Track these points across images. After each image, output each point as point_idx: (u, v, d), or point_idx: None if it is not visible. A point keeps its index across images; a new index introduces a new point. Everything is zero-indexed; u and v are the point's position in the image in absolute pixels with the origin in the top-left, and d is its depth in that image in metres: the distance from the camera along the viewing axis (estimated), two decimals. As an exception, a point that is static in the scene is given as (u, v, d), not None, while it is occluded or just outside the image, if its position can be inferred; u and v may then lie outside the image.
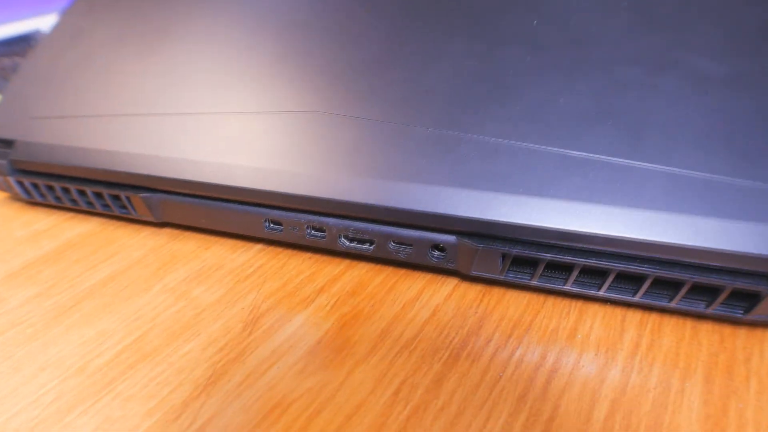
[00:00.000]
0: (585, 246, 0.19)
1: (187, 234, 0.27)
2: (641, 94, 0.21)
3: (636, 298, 0.20)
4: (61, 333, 0.21)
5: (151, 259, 0.25)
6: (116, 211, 0.27)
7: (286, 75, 0.26)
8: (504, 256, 0.20)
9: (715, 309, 0.19)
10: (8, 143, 0.28)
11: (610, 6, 0.24)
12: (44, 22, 0.56)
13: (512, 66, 0.23)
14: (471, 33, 0.25)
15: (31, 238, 0.27)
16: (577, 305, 0.21)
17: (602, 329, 0.20)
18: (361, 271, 0.23)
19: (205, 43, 0.28)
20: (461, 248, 0.21)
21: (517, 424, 0.16)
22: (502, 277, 0.21)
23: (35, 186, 0.28)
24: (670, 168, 0.19)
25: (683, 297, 0.19)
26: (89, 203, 0.27)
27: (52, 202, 0.28)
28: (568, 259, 0.19)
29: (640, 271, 0.19)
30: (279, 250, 0.25)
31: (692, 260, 0.18)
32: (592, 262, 0.19)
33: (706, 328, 0.19)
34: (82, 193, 0.27)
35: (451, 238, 0.21)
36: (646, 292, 0.19)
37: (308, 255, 0.25)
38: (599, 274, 0.20)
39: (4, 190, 0.29)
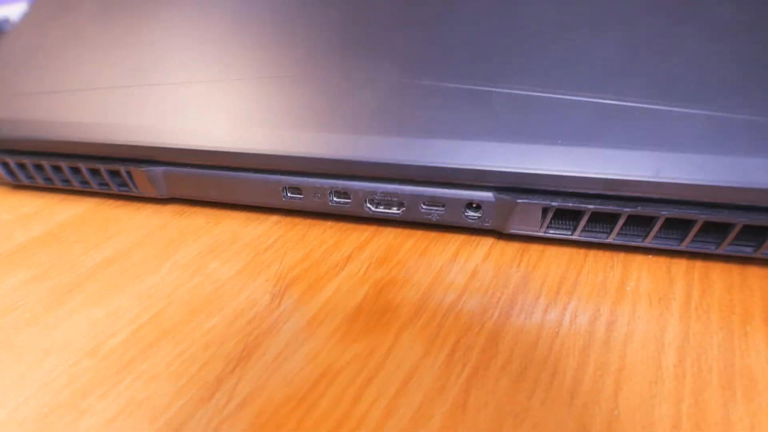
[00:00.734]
0: (631, 193, 0.18)
1: (194, 209, 0.25)
2: (668, 41, 0.21)
3: (682, 246, 0.19)
4: (64, 315, 0.19)
5: (156, 236, 0.23)
6: (115, 189, 0.25)
7: (301, 39, 0.24)
8: (545, 211, 0.19)
9: (764, 252, 0.18)
10: (-13, 120, 0.25)
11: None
12: (12, 11, 0.52)
13: (534, 20, 0.22)
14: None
15: (19, 221, 0.25)
16: (619, 258, 0.20)
17: (650, 280, 0.19)
18: (388, 237, 0.22)
19: (209, 10, 0.26)
20: (499, 205, 0.20)
21: (585, 377, 0.15)
22: (541, 233, 0.20)
23: (21, 166, 0.26)
24: (710, 111, 0.18)
25: (731, 242, 0.19)
26: (84, 182, 0.25)
27: (42, 183, 0.26)
28: (613, 208, 0.19)
29: (689, 216, 0.18)
30: (297, 220, 0.23)
31: (741, 201, 0.18)
32: (639, 209, 0.18)
33: (754, 273, 0.19)
34: (75, 170, 0.25)
35: (488, 195, 0.20)
36: (693, 238, 0.19)
37: (329, 224, 0.23)
38: (643, 224, 0.19)
39: (-18, 173, 0.27)
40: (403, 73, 0.22)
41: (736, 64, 0.20)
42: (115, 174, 0.24)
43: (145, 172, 0.23)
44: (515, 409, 0.15)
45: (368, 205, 0.22)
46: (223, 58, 0.24)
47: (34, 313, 0.20)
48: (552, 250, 0.21)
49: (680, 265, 0.20)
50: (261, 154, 0.21)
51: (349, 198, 0.22)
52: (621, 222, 0.19)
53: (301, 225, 0.23)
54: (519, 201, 0.19)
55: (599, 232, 0.20)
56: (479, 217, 0.20)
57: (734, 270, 0.19)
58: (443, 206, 0.21)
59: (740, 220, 0.18)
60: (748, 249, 0.19)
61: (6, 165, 0.26)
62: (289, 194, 0.22)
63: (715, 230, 0.19)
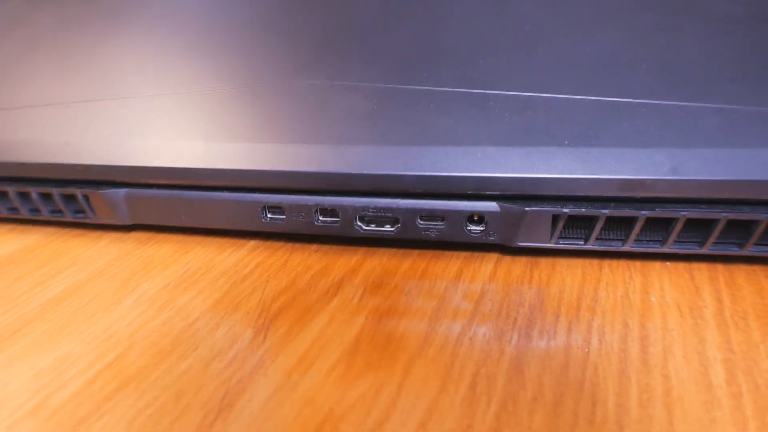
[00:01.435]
0: (647, 194, 0.17)
1: (161, 237, 0.22)
2: (667, 37, 0.20)
3: (704, 250, 0.18)
4: (1, 366, 0.16)
5: (117, 268, 0.20)
6: (70, 216, 0.22)
7: (279, 45, 0.22)
8: (555, 219, 0.18)
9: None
10: None
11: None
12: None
13: (526, 21, 0.21)
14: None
15: (-51, 260, 0.21)
16: (636, 267, 0.18)
17: (675, 289, 0.17)
18: (382, 259, 0.20)
19: (172, 22, 0.24)
20: (505, 215, 0.18)
21: (631, 404, 0.13)
22: (552, 245, 0.18)
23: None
24: (718, 104, 0.17)
25: (756, 241, 0.17)
26: (34, 209, 0.22)
27: (-23, 214, 0.23)
28: (629, 211, 0.17)
29: (711, 215, 0.17)
30: (278, 245, 0.21)
31: (764, 196, 0.16)
32: (658, 211, 0.17)
33: (782, 277, 0.18)
34: (24, 196, 0.22)
35: (492, 205, 0.18)
36: (715, 240, 0.17)
37: (315, 247, 0.21)
38: (661, 228, 0.18)
39: None
40: (391, 78, 0.20)
41: (737, 57, 0.19)
42: (70, 199, 0.21)
43: (105, 196, 0.20)
44: (557, 448, 0.12)
45: (359, 223, 0.19)
46: (192, 69, 0.22)
47: (-35, 366, 0.16)
48: (563, 263, 0.19)
49: (702, 270, 0.18)
50: (236, 171, 0.19)
51: (337, 216, 0.19)
52: (638, 226, 0.17)
53: (283, 250, 0.21)
54: (527, 209, 0.17)
55: (614, 239, 0.18)
56: (483, 231, 0.19)
57: (759, 272, 0.18)
58: (443, 220, 0.19)
59: (765, 216, 0.16)
60: (772, 249, 0.17)
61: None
62: (269, 215, 0.20)
63: (736, 230, 0.17)
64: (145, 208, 0.21)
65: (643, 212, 0.17)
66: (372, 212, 0.19)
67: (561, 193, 0.17)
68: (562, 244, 0.18)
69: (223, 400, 0.14)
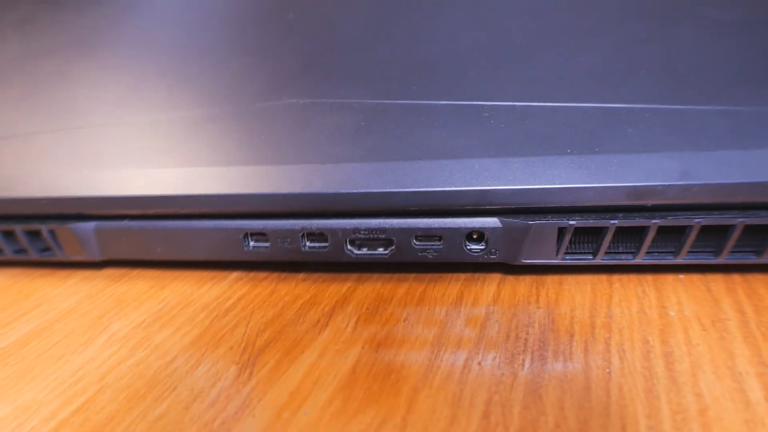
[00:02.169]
0: (658, 201, 0.16)
1: (134, 272, 0.20)
2: (663, 42, 0.19)
3: (720, 260, 0.17)
4: (-45, 423, 0.14)
5: (87, 307, 0.18)
6: (34, 255, 0.20)
7: (258, 65, 0.21)
8: (561, 232, 0.17)
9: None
10: None
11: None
12: None
13: (518, 33, 0.21)
14: (457, 7, 0.22)
15: None
16: (648, 281, 0.17)
17: (693, 302, 0.16)
18: (375, 285, 0.18)
19: (145, 47, 0.23)
20: (507, 230, 0.17)
21: (665, 426, 0.12)
22: (558, 261, 0.17)
23: None
24: (722, 106, 0.17)
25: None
26: (-8, 249, 0.20)
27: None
28: (640, 220, 0.16)
29: (727, 221, 0.16)
30: (262, 275, 0.20)
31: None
32: (670, 219, 0.16)
33: (802, 285, 0.17)
34: (-20, 236, 0.20)
35: (493, 221, 0.17)
36: (731, 249, 0.16)
37: (302, 276, 0.19)
38: (673, 238, 0.17)
39: None
40: (377, 94, 0.19)
41: (734, 59, 0.18)
42: (34, 236, 0.20)
43: (72, 231, 0.19)
44: (588, 481, 0.11)
45: (349, 247, 0.18)
46: (165, 93, 0.21)
47: None
48: (571, 281, 0.18)
49: (718, 282, 0.17)
50: (215, 196, 0.18)
51: (325, 241, 0.18)
52: (650, 237, 0.16)
53: (268, 280, 0.19)
54: (531, 223, 0.16)
55: (624, 252, 0.17)
56: (484, 249, 0.17)
57: (778, 282, 0.17)
58: (440, 240, 0.17)
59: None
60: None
61: None
62: (252, 243, 0.19)
63: (752, 237, 0.16)
64: (116, 242, 0.19)
65: (654, 221, 0.16)
66: (363, 234, 0.18)
67: (566, 204, 0.16)
68: (569, 260, 0.17)
69: (205, 447, 0.13)
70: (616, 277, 0.18)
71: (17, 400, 0.14)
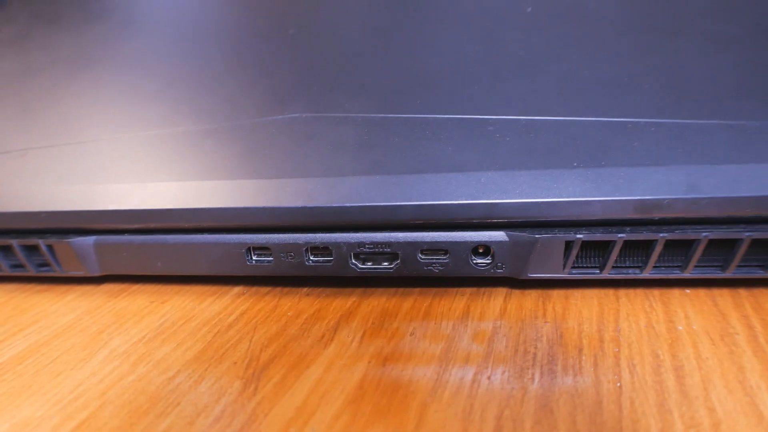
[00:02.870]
0: (665, 215, 0.16)
1: (134, 287, 0.20)
2: (665, 57, 0.20)
3: (727, 274, 0.17)
4: (-51, 441, 0.14)
5: (87, 323, 0.18)
6: (32, 270, 0.20)
7: (260, 79, 0.21)
8: (568, 246, 0.17)
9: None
10: None
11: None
12: None
13: (522, 47, 0.21)
14: (460, 21, 0.23)
15: None
16: (655, 296, 0.17)
17: (700, 316, 0.16)
18: (380, 299, 0.18)
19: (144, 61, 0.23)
20: (513, 244, 0.17)
21: (680, 440, 0.12)
22: (565, 275, 0.17)
23: None
24: (726, 120, 0.17)
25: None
26: (-11, 264, 0.20)
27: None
28: (648, 234, 0.16)
29: (734, 234, 0.16)
30: (265, 290, 0.19)
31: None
32: (677, 233, 0.16)
33: (808, 299, 0.17)
34: (-23, 250, 0.20)
35: (499, 234, 0.17)
36: (738, 263, 0.16)
37: (305, 291, 0.19)
38: (680, 252, 0.17)
39: None
40: (381, 108, 0.19)
41: (736, 74, 0.19)
42: (32, 251, 0.19)
43: (71, 245, 0.19)
44: (605, 497, 0.11)
45: (354, 261, 0.18)
46: (166, 107, 0.21)
47: None
48: (577, 295, 0.17)
49: (724, 296, 0.17)
50: (217, 209, 0.18)
51: (329, 255, 0.18)
52: (657, 250, 0.16)
53: (270, 295, 0.19)
54: (538, 237, 0.16)
55: (631, 266, 0.17)
56: (490, 263, 0.17)
57: (784, 296, 0.17)
58: (446, 254, 0.17)
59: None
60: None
61: None
62: (254, 257, 0.18)
63: (759, 252, 0.16)
64: (116, 257, 0.19)
65: (662, 234, 0.16)
66: (368, 248, 0.18)
67: (573, 218, 0.16)
68: (576, 274, 0.17)
69: (209, 464, 0.12)
70: (622, 291, 0.17)
71: (16, 416, 0.14)
